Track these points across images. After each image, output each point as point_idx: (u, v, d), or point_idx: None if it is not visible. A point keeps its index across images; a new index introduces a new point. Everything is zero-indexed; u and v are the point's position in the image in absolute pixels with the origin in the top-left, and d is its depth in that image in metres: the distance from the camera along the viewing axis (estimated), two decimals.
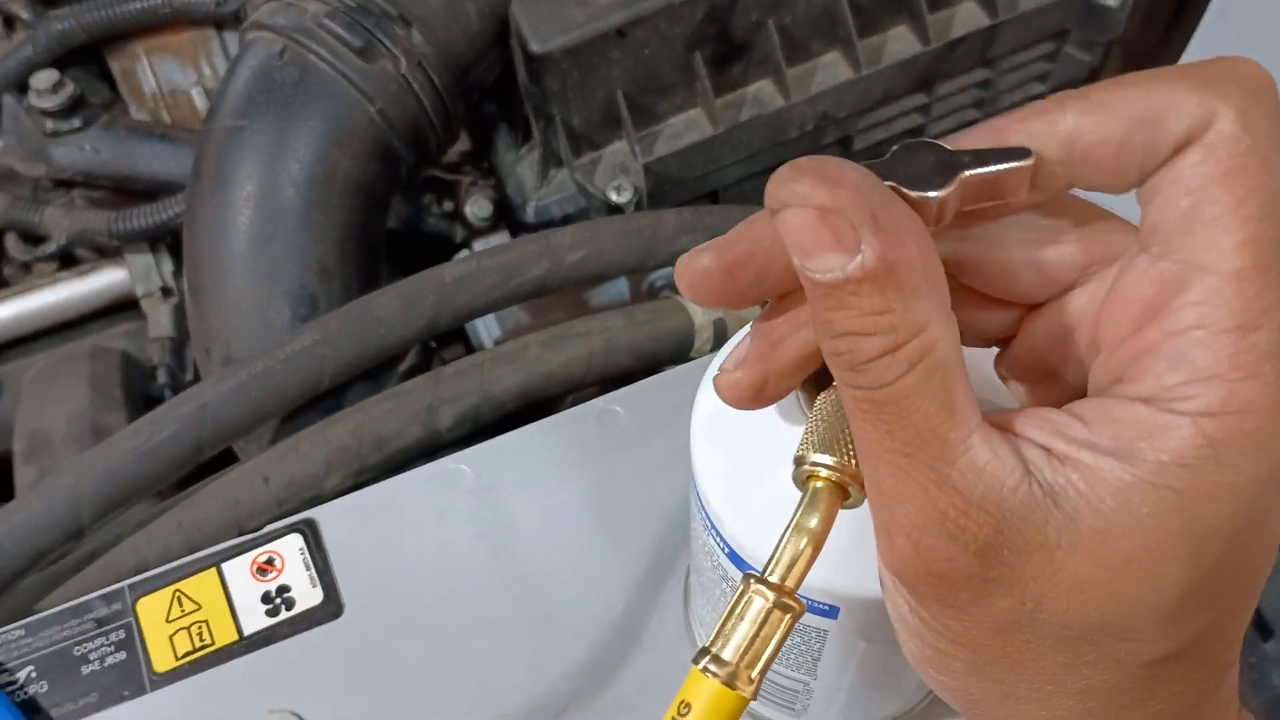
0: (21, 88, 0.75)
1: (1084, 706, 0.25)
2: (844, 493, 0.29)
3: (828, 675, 0.41)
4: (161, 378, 0.76)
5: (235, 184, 0.55)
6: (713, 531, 0.36)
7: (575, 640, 0.47)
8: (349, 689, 0.45)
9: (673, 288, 0.70)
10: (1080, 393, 0.26)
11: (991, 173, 0.26)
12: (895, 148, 0.26)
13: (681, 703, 0.29)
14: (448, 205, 0.77)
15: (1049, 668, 0.25)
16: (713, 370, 0.37)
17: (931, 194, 0.25)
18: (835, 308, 0.23)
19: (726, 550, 0.36)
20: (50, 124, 0.73)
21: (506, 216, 0.74)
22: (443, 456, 0.51)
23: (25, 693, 0.45)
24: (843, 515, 0.29)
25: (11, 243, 0.77)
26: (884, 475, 0.24)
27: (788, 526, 0.29)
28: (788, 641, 0.40)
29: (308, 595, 0.47)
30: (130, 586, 0.47)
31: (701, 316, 0.58)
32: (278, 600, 0.47)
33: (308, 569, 0.47)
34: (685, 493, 0.49)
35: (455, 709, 0.45)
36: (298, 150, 0.55)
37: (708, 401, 0.37)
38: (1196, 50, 0.65)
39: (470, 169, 0.78)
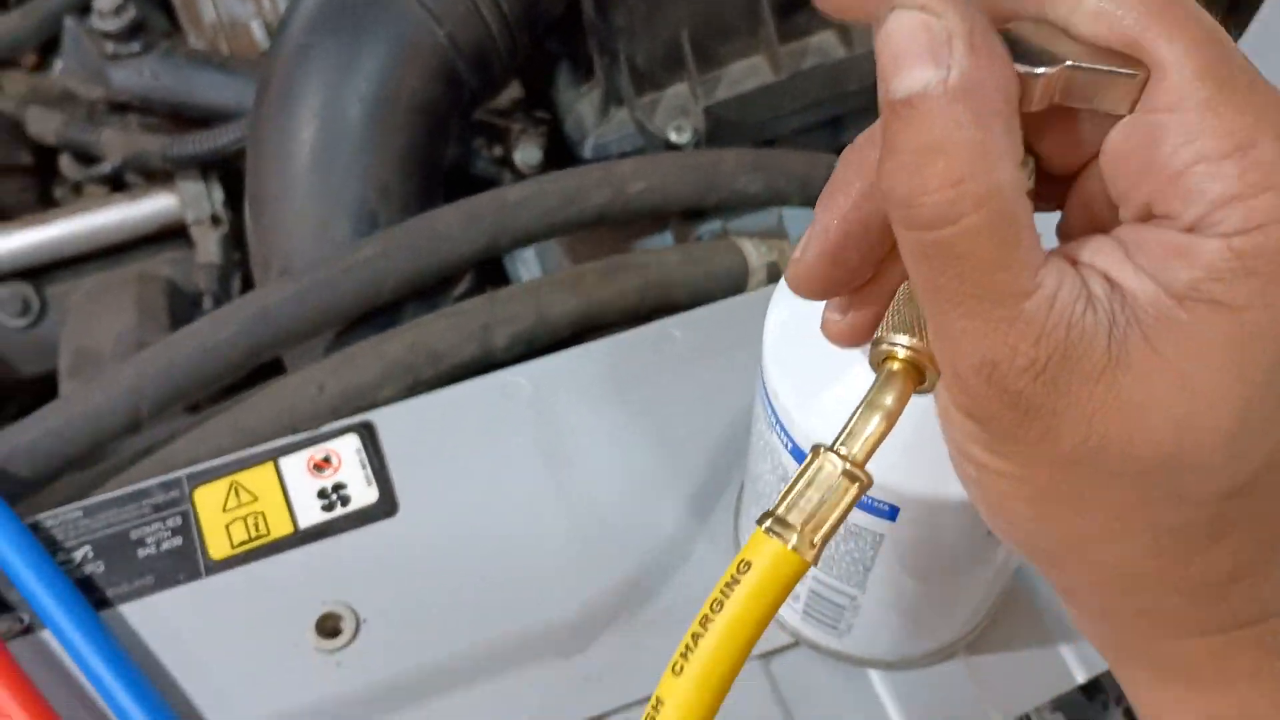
0: (84, 10, 0.75)
1: (1155, 546, 0.25)
2: (919, 375, 0.30)
3: (876, 589, 0.41)
4: (207, 304, 0.76)
5: (302, 100, 0.56)
6: (778, 428, 0.37)
7: (624, 553, 0.47)
8: (403, 586, 0.46)
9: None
10: None
11: (1097, 71, 0.26)
12: (1011, 24, 0.26)
13: (742, 562, 0.29)
14: (497, 150, 0.78)
15: (1115, 506, 0.25)
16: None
17: (1036, 70, 0.26)
18: (904, 129, 0.23)
19: (790, 446, 0.36)
20: (110, 47, 0.74)
21: (556, 164, 0.75)
22: None
23: (82, 572, 0.46)
24: (907, 419, 0.29)
25: (65, 163, 0.77)
26: (953, 319, 0.24)
27: (861, 402, 0.29)
28: (839, 549, 0.40)
29: (363, 494, 0.47)
30: (188, 476, 0.48)
31: (756, 258, 0.59)
32: (333, 496, 0.47)
33: (364, 468, 0.48)
34: (738, 417, 0.50)
35: (504, 611, 0.46)
36: (365, 69, 0.56)
37: (784, 301, 0.37)
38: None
39: (521, 116, 0.78)
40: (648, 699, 0.44)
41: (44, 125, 0.74)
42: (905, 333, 0.29)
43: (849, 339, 0.30)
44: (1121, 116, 0.27)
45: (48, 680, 0.43)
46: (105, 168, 0.74)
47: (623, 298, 0.55)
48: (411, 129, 0.57)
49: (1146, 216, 0.24)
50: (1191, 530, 0.25)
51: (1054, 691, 0.47)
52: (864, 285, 0.29)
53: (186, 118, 0.77)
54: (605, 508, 0.48)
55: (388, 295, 0.52)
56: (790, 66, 0.63)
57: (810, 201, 0.60)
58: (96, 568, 0.46)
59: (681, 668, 0.30)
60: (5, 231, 0.76)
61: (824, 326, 0.30)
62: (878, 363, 0.30)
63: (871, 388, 0.29)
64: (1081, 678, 0.47)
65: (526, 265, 0.74)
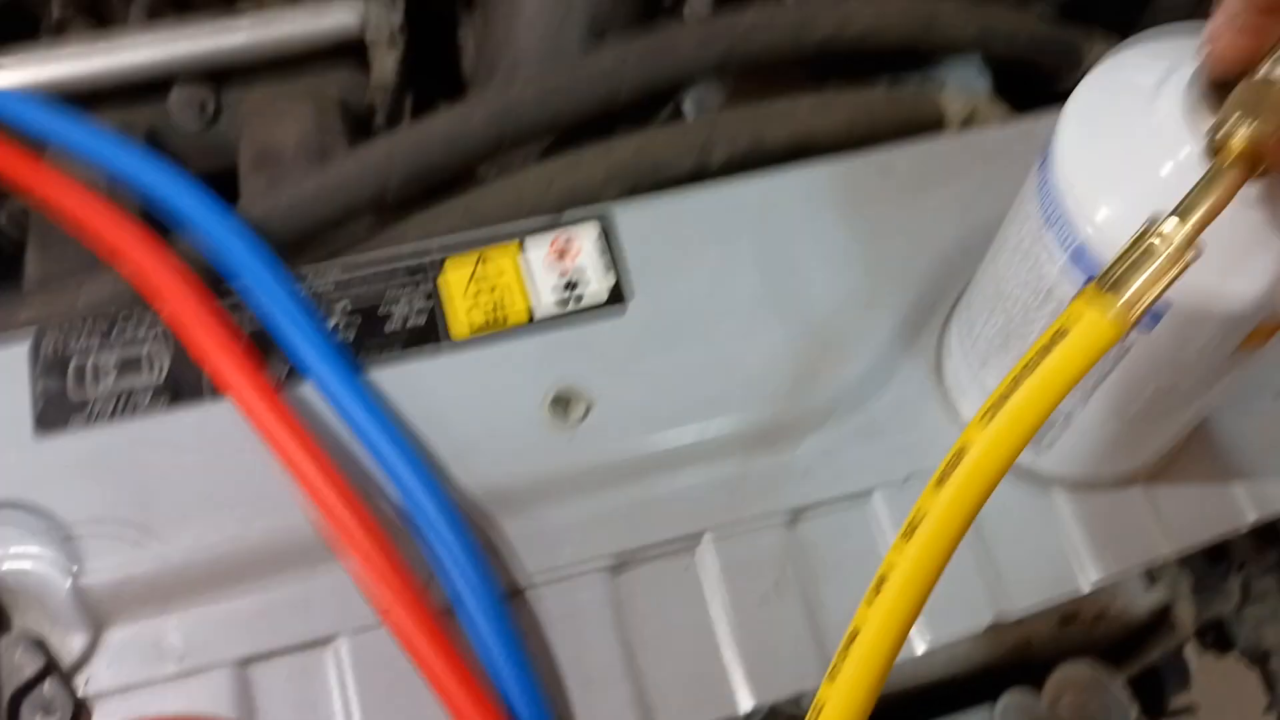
0: None
1: None
2: (1258, 160, 0.31)
3: (1096, 405, 0.43)
4: (379, 122, 0.78)
5: None
6: (1058, 226, 0.38)
7: (836, 365, 0.50)
8: (631, 375, 0.49)
9: None
10: None
11: None
12: None
13: (1059, 330, 0.32)
14: None
15: None
16: (1097, 69, 0.40)
17: None
18: None
19: (1073, 246, 0.38)
20: None
21: None
22: None
23: (337, 332, 0.49)
24: None
25: None
26: None
27: (1202, 179, 0.31)
28: None
29: (600, 282, 0.50)
30: (440, 246, 0.50)
31: (953, 110, 0.61)
32: (570, 284, 0.50)
33: (601, 256, 0.51)
34: (954, 247, 0.52)
35: (726, 404, 0.49)
36: None
37: (1087, 91, 0.39)
38: None
39: None
40: (849, 496, 0.48)
41: None
42: (1250, 116, 0.31)
43: (1226, 59, 0.31)
44: None
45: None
46: None
47: (834, 129, 0.57)
48: None
49: None
50: None
51: (1225, 528, 0.50)
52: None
53: None
54: (820, 321, 0.51)
55: (622, 105, 0.54)
56: None
57: (1015, 53, 0.62)
58: (349, 333, 0.49)
59: (993, 416, 0.32)
60: (187, 34, 0.77)
61: (1204, 42, 0.32)
62: (1215, 148, 0.32)
63: (1210, 169, 0.31)
64: (1253, 517, 0.50)
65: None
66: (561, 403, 0.48)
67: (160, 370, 0.47)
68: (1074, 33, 0.63)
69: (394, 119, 0.80)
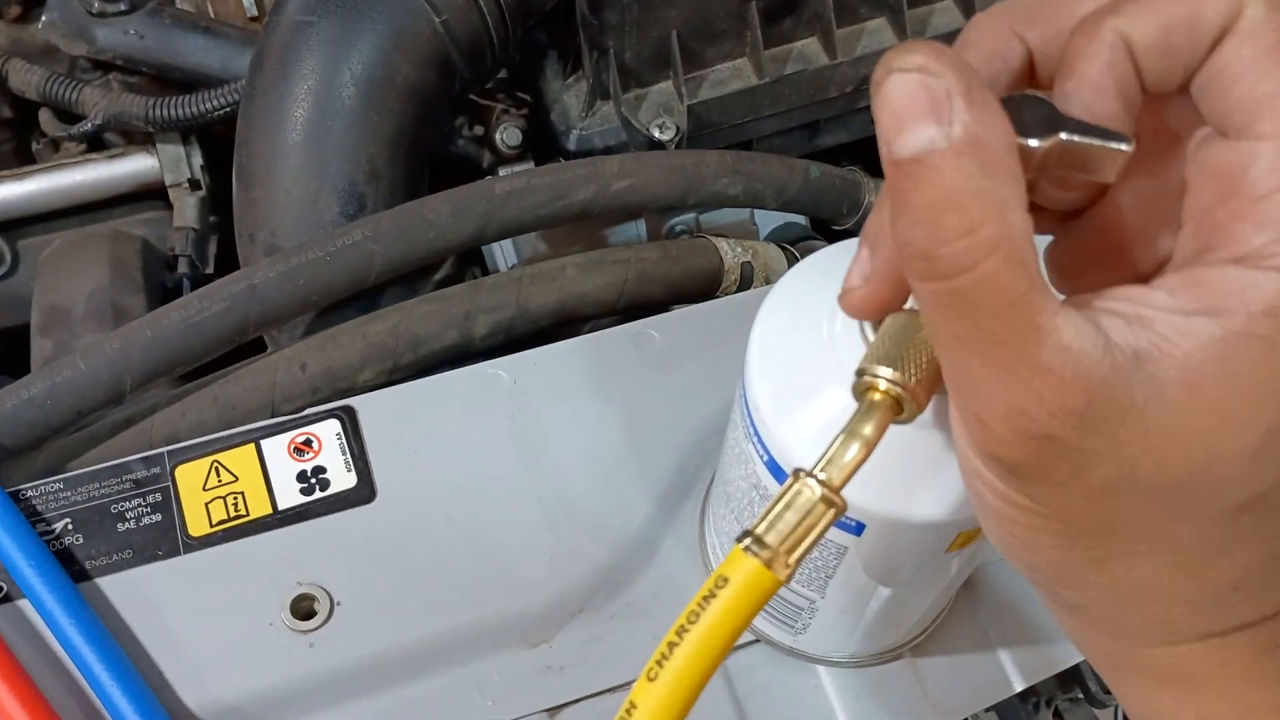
0: None
1: (1172, 560, 0.27)
2: (899, 407, 0.31)
3: (836, 595, 0.43)
4: (182, 268, 0.76)
5: (297, 76, 0.56)
6: (755, 439, 0.38)
7: (595, 544, 0.49)
8: (377, 570, 0.47)
9: (691, 232, 0.72)
10: (1135, 281, 0.27)
11: (1089, 144, 0.27)
12: (1007, 96, 0.28)
13: (720, 577, 0.31)
14: (478, 130, 0.78)
15: (1140, 527, 0.26)
16: (778, 286, 0.39)
17: (1032, 142, 0.27)
18: (916, 186, 0.24)
19: (766, 459, 0.38)
20: (96, 4, 0.73)
21: (535, 146, 0.76)
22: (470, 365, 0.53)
23: (61, 543, 0.46)
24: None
25: (45, 118, 0.77)
26: (973, 367, 0.25)
27: (842, 431, 0.31)
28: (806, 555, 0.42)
29: (342, 478, 0.48)
30: (170, 453, 0.49)
31: (730, 258, 0.60)
32: (313, 480, 0.48)
33: (344, 453, 0.49)
34: (711, 418, 0.51)
35: (478, 596, 0.47)
36: (362, 50, 0.56)
37: (770, 314, 0.39)
38: None
39: (504, 96, 0.79)
40: (609, 690, 0.47)
41: (25, 79, 0.74)
42: (889, 365, 0.30)
43: (869, 309, 0.31)
44: (1109, 185, 0.28)
45: (24, 650, 0.44)
46: (86, 125, 0.74)
47: (602, 291, 0.56)
48: (403, 114, 0.57)
49: (1206, 243, 0.25)
50: (1206, 545, 0.27)
51: (993, 697, 0.49)
52: (890, 255, 0.30)
53: (169, 79, 0.77)
54: (575, 500, 0.49)
55: (374, 279, 0.53)
56: (773, 71, 0.65)
57: (787, 205, 0.62)
58: (75, 539, 0.46)
59: (656, 674, 0.31)
60: None
61: (843, 297, 0.31)
62: (860, 392, 0.31)
63: (853, 416, 0.31)
64: (1019, 686, 0.49)
65: (503, 250, 0.75)
66: (303, 605, 0.46)
67: None
68: (853, 175, 0.63)
69: (198, 263, 0.78)
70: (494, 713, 0.46)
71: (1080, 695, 0.62)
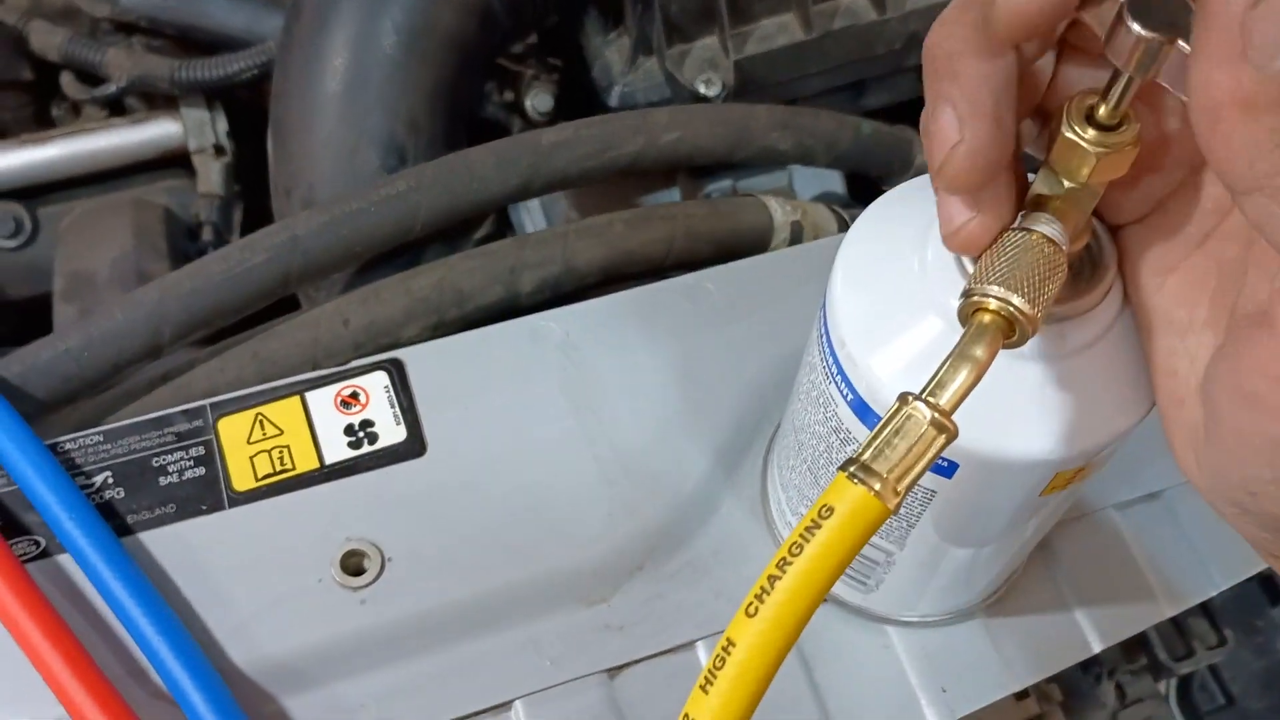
0: None
1: None
2: (1010, 329, 0.30)
3: (915, 547, 0.41)
4: (206, 235, 0.75)
5: (336, 26, 0.54)
6: (839, 379, 0.36)
7: (653, 501, 0.47)
8: (429, 526, 0.45)
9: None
10: None
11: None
12: None
13: (824, 506, 0.29)
14: (508, 95, 0.77)
15: None
16: (857, 224, 0.38)
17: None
18: None
19: (851, 398, 0.36)
20: None
21: (566, 113, 0.74)
22: None
23: (101, 496, 0.45)
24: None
25: (67, 81, 0.75)
26: None
27: (951, 353, 0.29)
28: None
29: (391, 432, 0.47)
30: (212, 405, 0.47)
31: (780, 216, 0.59)
32: (360, 434, 0.46)
33: (393, 406, 0.47)
34: (770, 373, 0.50)
35: (533, 553, 0.45)
36: None
37: (853, 249, 0.37)
38: None
39: (534, 61, 0.77)
40: (671, 650, 0.45)
41: (47, 40, 0.72)
42: (1001, 285, 0.29)
43: (978, 242, 0.30)
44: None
45: (65, 606, 0.42)
46: (110, 88, 0.72)
47: (649, 248, 0.54)
48: (444, 65, 0.56)
49: None
50: None
51: (1069, 659, 0.47)
52: (990, 183, 0.29)
53: (192, 42, 0.75)
54: (631, 456, 0.48)
55: (418, 231, 0.51)
56: (821, 26, 0.63)
57: (837, 162, 0.60)
58: (116, 493, 0.45)
59: (756, 609, 0.29)
60: (1, 149, 0.73)
61: (950, 234, 0.30)
62: (968, 314, 0.30)
63: (961, 338, 0.29)
64: (1098, 647, 0.47)
65: (531, 215, 0.73)
66: (353, 561, 0.45)
67: None
68: (903, 132, 0.61)
69: (222, 229, 0.76)
70: (552, 672, 0.44)
71: (1145, 663, 0.60)
